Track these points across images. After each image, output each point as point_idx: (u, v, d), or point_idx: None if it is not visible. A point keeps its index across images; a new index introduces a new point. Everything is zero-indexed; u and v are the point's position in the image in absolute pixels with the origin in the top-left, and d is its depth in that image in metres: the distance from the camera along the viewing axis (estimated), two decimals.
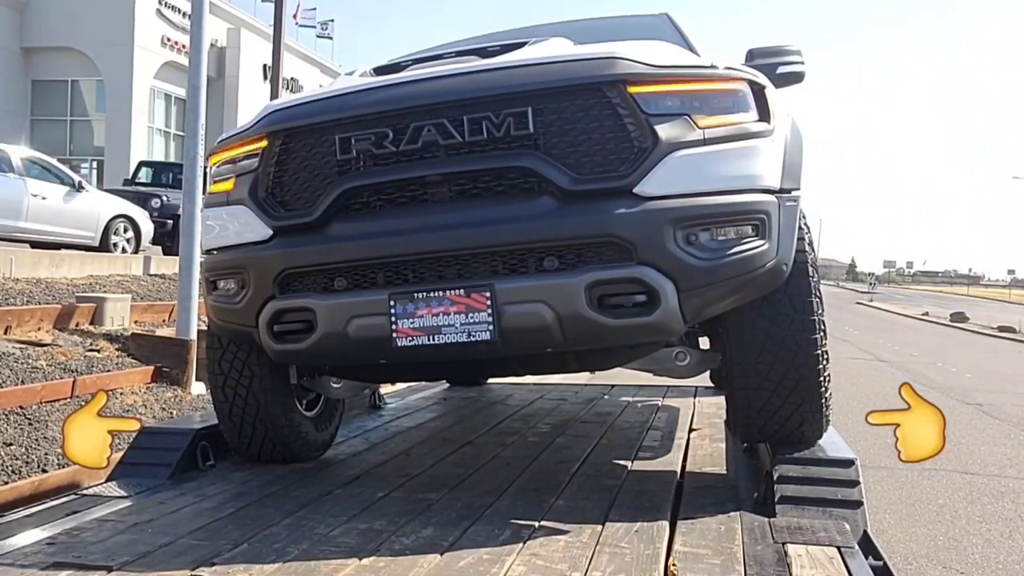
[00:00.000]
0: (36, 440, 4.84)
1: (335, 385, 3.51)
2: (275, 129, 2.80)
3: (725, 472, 3.28)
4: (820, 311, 2.80)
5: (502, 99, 2.54)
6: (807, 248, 2.81)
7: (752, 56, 3.47)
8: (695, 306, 2.51)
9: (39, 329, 6.97)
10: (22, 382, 5.55)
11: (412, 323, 2.58)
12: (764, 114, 2.60)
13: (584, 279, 2.45)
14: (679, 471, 3.27)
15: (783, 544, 2.34)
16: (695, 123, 2.49)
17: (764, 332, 2.74)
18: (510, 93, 2.54)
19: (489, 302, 2.51)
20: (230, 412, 3.34)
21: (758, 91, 2.62)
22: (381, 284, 2.67)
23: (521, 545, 2.37)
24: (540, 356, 2.89)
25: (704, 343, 3.27)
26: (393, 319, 2.59)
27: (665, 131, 2.46)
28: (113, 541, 2.41)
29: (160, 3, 26.57)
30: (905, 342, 20.12)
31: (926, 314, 34.90)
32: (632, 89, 2.48)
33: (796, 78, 3.46)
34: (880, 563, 2.38)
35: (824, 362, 2.80)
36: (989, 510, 5.46)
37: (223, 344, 3.29)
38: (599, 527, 2.54)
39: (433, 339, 2.57)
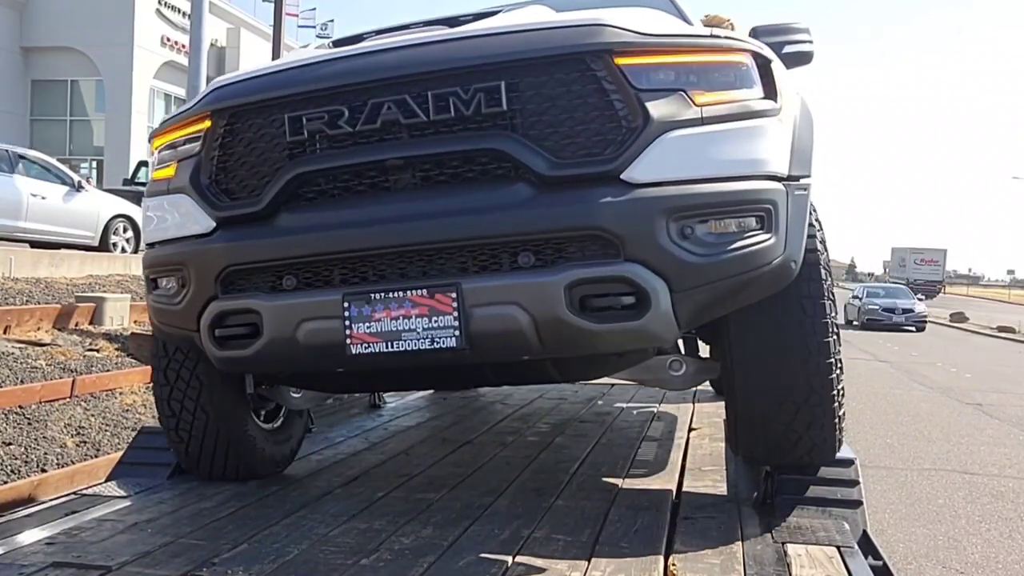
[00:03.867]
0: (35, 440, 4.83)
1: (295, 395, 3.23)
2: (219, 107, 2.51)
3: (725, 471, 3.28)
4: (833, 315, 2.54)
5: (471, 72, 2.27)
6: (819, 246, 2.54)
7: (756, 34, 3.17)
8: (691, 309, 2.26)
9: (39, 329, 6.97)
10: (21, 382, 5.54)
11: (368, 328, 2.31)
12: (770, 91, 2.33)
13: (564, 278, 2.19)
14: (679, 471, 3.27)
15: (783, 544, 2.34)
16: (691, 100, 2.23)
17: (770, 339, 2.48)
18: (480, 65, 2.26)
19: (455, 304, 2.24)
20: (177, 427, 3.04)
21: (763, 65, 2.35)
22: (335, 283, 2.40)
23: (521, 545, 2.37)
24: (516, 365, 2.67)
25: (703, 348, 3.21)
26: (347, 323, 2.32)
27: (657, 108, 2.19)
28: (112, 541, 2.41)
29: (160, 3, 26.58)
30: (905, 342, 20.12)
31: None
32: (620, 60, 2.21)
33: (804, 58, 3.19)
34: (880, 563, 2.39)
35: (838, 372, 2.53)
36: (989, 510, 5.46)
37: (168, 351, 3.00)
38: (599, 527, 2.54)
39: (392, 346, 2.30)
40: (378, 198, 2.36)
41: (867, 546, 2.47)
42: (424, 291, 2.26)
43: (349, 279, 2.39)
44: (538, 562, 2.23)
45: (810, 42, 3.21)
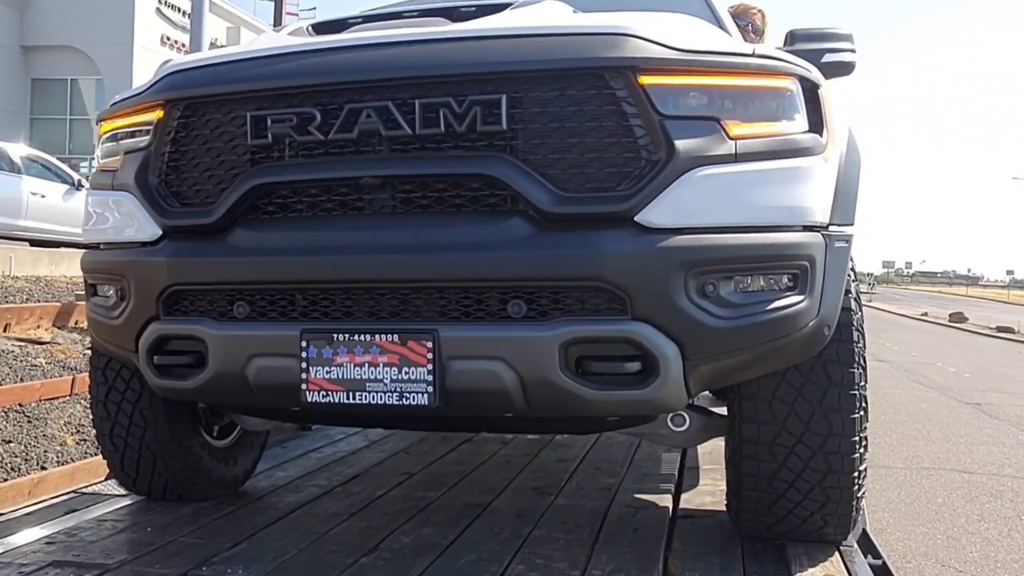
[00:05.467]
0: (35, 438, 4.83)
1: (252, 416, 2.80)
2: (173, 97, 2.20)
3: (724, 470, 3.28)
4: (863, 384, 2.19)
5: (467, 81, 1.96)
6: (853, 306, 2.20)
7: (793, 39, 2.88)
8: (705, 377, 1.98)
9: (38, 327, 6.97)
10: (21, 380, 5.54)
11: (328, 373, 2.01)
12: (816, 123, 2.02)
13: (559, 334, 1.89)
14: (678, 469, 3.27)
15: (782, 543, 2.34)
16: (725, 131, 1.92)
17: (784, 409, 2.15)
18: (478, 73, 1.96)
19: (431, 354, 1.94)
20: (111, 433, 2.70)
21: (810, 91, 2.04)
22: (293, 316, 2.10)
23: (521, 543, 2.37)
24: (495, 419, 2.40)
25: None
26: (304, 365, 2.02)
27: (684, 140, 1.88)
28: (112, 540, 2.42)
29: (160, 2, 26.58)
30: (904, 342, 20.12)
31: (925, 314, 34.95)
32: (644, 79, 1.90)
33: (845, 69, 2.90)
34: (879, 562, 2.40)
35: (862, 451, 2.19)
36: (987, 509, 5.46)
37: (103, 359, 2.67)
38: (598, 526, 2.54)
39: (354, 397, 2.01)
40: (349, 221, 2.06)
41: (866, 545, 2.48)
42: (395, 336, 1.97)
43: (310, 313, 2.09)
44: (538, 561, 2.24)
45: (852, 51, 2.92)
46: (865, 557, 2.35)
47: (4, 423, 4.87)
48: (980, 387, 11.58)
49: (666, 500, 2.83)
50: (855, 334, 2.17)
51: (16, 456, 4.59)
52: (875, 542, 2.53)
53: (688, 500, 2.84)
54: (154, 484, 2.76)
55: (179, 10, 26.66)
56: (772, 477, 2.19)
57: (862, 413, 2.16)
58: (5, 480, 4.23)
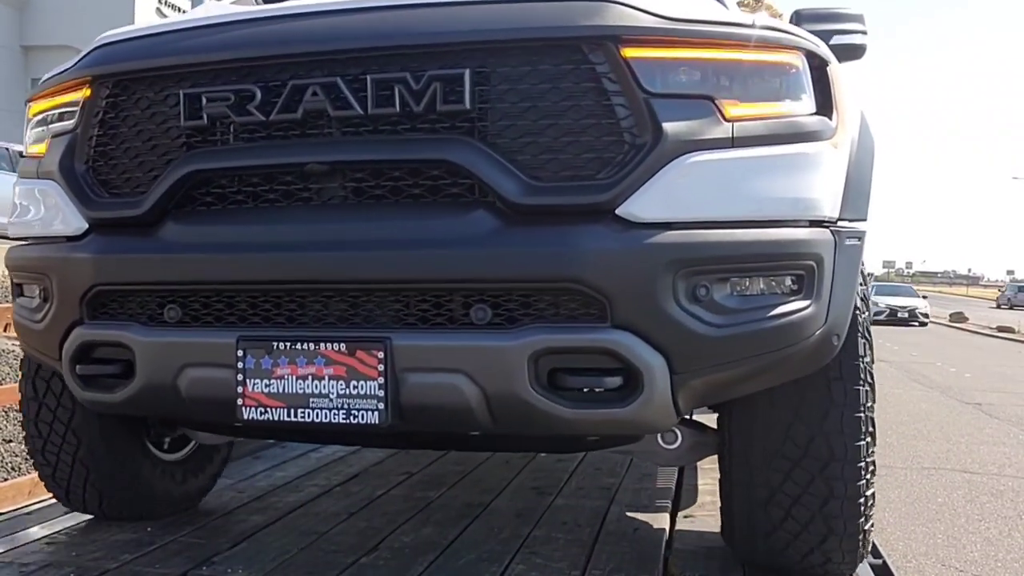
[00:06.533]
0: None
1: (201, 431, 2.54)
2: (100, 72, 1.97)
3: None
4: (870, 405, 1.96)
5: (427, 53, 1.73)
6: (859, 317, 1.94)
7: (800, 19, 2.58)
8: (696, 393, 1.76)
9: None
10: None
11: (268, 387, 1.79)
12: (825, 104, 1.80)
13: (527, 344, 1.67)
14: (678, 469, 3.27)
15: None
16: (721, 112, 1.69)
17: (781, 431, 1.93)
18: (439, 44, 1.73)
19: (382, 366, 1.72)
20: (43, 450, 2.47)
21: (819, 68, 1.81)
22: (230, 321, 1.88)
23: (520, 544, 2.38)
24: (462, 436, 2.18)
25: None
26: (241, 377, 1.80)
27: (673, 121, 1.65)
28: (113, 539, 2.42)
29: (160, 2, 26.64)
30: (904, 342, 20.13)
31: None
32: (627, 52, 1.66)
33: (856, 52, 2.60)
34: (880, 561, 2.40)
35: (868, 476, 1.96)
36: (988, 509, 5.46)
37: (33, 367, 2.44)
38: (598, 526, 2.54)
39: (295, 414, 1.78)
40: (294, 213, 1.84)
41: None
42: (342, 345, 1.75)
43: (249, 318, 1.87)
44: (537, 560, 2.24)
45: (863, 32, 2.62)
46: (865, 557, 2.35)
47: (4, 423, 4.87)
48: (980, 387, 11.58)
49: (667, 499, 2.83)
50: (861, 346, 1.95)
51: (16, 456, 4.59)
52: (875, 542, 2.52)
53: (689, 499, 2.84)
54: (89, 500, 2.51)
55: (179, 9, 26.70)
56: (768, 502, 1.99)
57: (868, 439, 1.94)
58: (5, 480, 4.23)
